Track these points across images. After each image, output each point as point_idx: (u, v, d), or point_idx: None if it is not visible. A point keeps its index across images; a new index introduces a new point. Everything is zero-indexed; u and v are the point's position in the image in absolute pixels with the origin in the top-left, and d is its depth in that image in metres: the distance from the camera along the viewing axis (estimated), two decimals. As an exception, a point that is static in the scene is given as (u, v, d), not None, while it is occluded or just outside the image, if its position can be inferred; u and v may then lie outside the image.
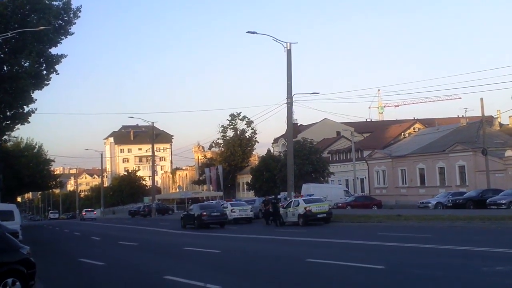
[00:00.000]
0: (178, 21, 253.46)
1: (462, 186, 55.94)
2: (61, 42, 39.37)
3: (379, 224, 32.08)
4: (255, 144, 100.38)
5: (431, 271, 13.54)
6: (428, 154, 63.60)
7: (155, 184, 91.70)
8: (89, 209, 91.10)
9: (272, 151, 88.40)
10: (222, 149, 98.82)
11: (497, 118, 65.62)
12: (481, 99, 51.90)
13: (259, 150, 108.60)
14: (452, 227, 27.22)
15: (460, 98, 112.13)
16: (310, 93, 46.09)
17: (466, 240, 20.42)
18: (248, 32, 39.11)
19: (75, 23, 39.21)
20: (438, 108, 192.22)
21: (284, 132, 75.89)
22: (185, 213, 42.30)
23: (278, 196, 45.88)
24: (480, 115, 53.67)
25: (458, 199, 43.11)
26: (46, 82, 39.99)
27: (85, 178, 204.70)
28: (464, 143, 58.51)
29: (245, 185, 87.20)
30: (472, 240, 20.01)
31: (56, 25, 38.01)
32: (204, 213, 38.31)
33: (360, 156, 73.36)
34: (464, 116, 72.27)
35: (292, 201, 37.29)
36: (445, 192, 51.28)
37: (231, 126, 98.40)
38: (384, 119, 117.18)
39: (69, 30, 39.18)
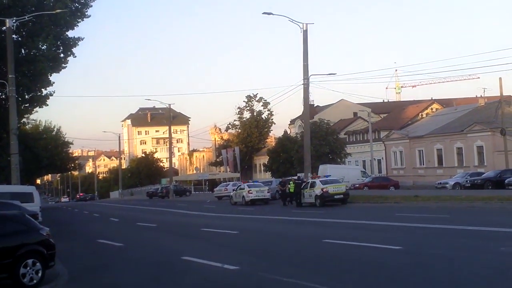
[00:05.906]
0: (194, 3, 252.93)
1: (480, 167, 55.43)
2: (77, 25, 39.58)
3: (396, 205, 31.94)
4: (271, 125, 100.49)
5: (449, 252, 13.50)
6: (446, 134, 63.06)
7: (172, 166, 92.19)
8: (65, 196, 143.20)
9: (288, 132, 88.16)
10: (239, 130, 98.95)
11: (516, 98, 64.88)
12: (500, 78, 51.23)
13: (276, 132, 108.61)
14: (470, 208, 27.03)
15: (479, 78, 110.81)
16: (326, 74, 45.95)
17: (484, 220, 20.29)
18: (264, 13, 38.77)
19: (91, 6, 39.41)
20: (456, 88, 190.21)
21: (300, 113, 75.69)
22: None
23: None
24: (499, 95, 53.04)
25: (476, 180, 42.71)
26: (63, 65, 40.27)
27: (103, 160, 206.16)
28: (482, 123, 57.93)
29: (262, 167, 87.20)
30: (490, 221, 19.89)
31: (73, 8, 38.15)
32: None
33: (377, 137, 72.97)
34: (483, 96, 71.54)
35: (309, 182, 37.24)
36: (463, 172, 50.80)
37: (248, 108, 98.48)
38: (402, 100, 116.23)
39: (86, 13, 39.33)
